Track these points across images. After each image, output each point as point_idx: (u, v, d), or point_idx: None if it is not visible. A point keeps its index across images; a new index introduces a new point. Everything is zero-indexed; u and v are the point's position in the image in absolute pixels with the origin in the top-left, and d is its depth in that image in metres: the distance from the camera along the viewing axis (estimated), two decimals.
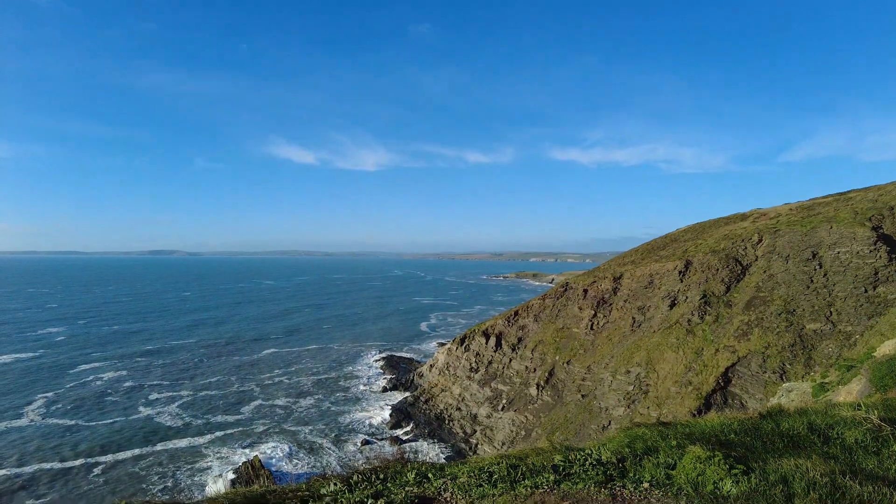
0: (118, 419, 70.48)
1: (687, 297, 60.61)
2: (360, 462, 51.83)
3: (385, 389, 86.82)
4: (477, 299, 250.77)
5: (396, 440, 64.54)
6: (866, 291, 47.88)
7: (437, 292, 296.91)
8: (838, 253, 53.37)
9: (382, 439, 65.02)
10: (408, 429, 69.05)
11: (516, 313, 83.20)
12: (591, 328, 68.35)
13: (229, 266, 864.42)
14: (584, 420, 55.04)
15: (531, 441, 57.17)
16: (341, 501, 8.63)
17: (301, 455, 60.12)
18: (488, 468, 9.67)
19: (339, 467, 56.58)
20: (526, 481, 9.07)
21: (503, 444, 59.63)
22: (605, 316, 69.21)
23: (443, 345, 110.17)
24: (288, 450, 61.51)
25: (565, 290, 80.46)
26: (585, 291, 75.16)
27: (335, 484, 9.36)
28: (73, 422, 69.32)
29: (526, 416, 62.03)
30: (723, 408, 44.82)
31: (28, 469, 54.66)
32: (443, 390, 78.53)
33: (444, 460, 58.04)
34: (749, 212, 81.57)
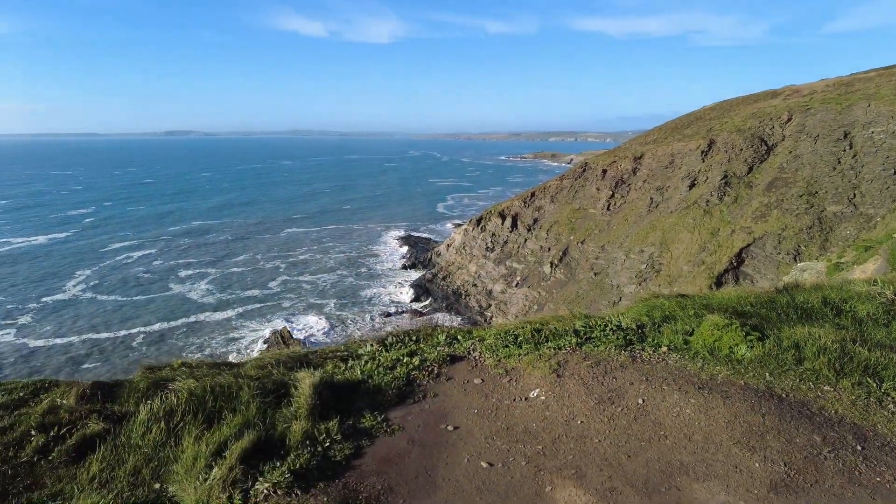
0: (152, 295, 74.31)
1: (707, 178, 59.62)
2: (378, 331, 54.58)
3: (404, 267, 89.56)
4: (494, 180, 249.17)
5: (416, 313, 67.80)
6: (895, 174, 46.53)
7: (454, 173, 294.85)
8: (872, 133, 51.20)
9: (403, 312, 68.29)
10: (426, 303, 72.17)
11: (533, 194, 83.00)
12: (608, 208, 68.32)
13: (246, 146, 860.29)
14: (595, 296, 56.87)
15: (543, 314, 59.71)
16: (379, 359, 9.20)
17: (327, 326, 63.70)
18: (514, 331, 10.13)
19: (361, 335, 60.26)
20: (549, 343, 9.53)
21: (516, 316, 62.37)
22: (622, 196, 68.82)
23: (459, 225, 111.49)
24: (314, 321, 65.16)
25: (584, 170, 79.41)
26: (604, 171, 74.13)
27: (372, 345, 9.98)
28: (111, 297, 73.32)
29: (539, 292, 64.22)
30: (733, 287, 45.83)
31: (75, 339, 58.96)
32: (459, 268, 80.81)
33: None
34: (781, 88, 77.34)
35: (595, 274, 60.33)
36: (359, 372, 8.79)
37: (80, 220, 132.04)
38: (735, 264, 47.18)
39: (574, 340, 9.56)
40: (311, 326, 63.57)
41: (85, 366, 52.34)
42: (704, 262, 49.20)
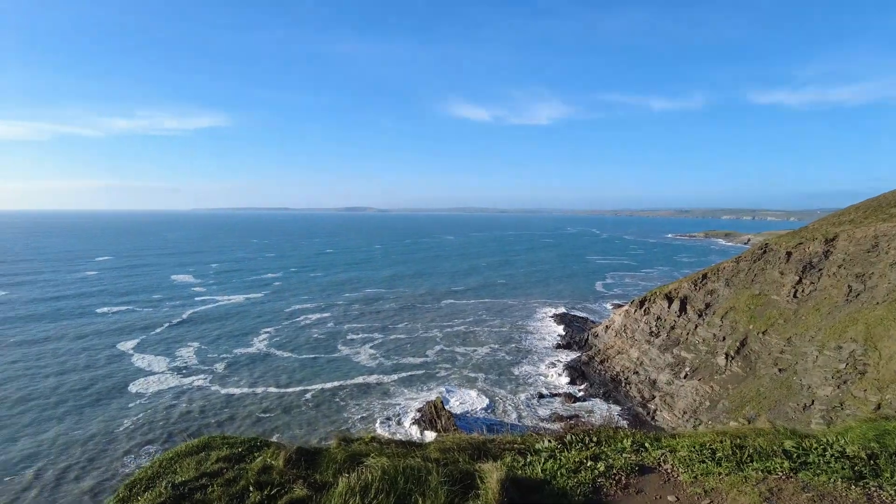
0: (322, 355, 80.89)
1: None
2: (538, 415, 52.73)
3: (558, 346, 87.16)
4: (658, 260, 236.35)
5: (570, 397, 64.86)
6: None
7: (614, 251, 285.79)
8: None
9: (556, 394, 65.81)
10: (581, 387, 68.85)
11: (704, 276, 76.93)
12: (794, 296, 60.64)
13: (414, 222, 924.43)
14: (779, 397, 49.77)
15: (716, 413, 53.45)
16: (560, 459, 8.79)
17: (478, 400, 63.51)
18: (710, 444, 9.08)
19: (515, 415, 58.87)
20: (755, 464, 8.33)
21: (685, 412, 56.64)
22: (812, 283, 60.81)
23: (619, 306, 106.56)
24: (467, 395, 65.41)
25: (764, 251, 72.09)
26: (789, 254, 66.53)
27: (550, 441, 9.62)
28: (289, 354, 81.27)
29: (711, 387, 57.94)
30: None
31: (259, 390, 65.74)
32: (619, 352, 76.49)
33: (623, 423, 57.06)
34: None
35: (780, 370, 53.12)
36: (539, 470, 8.46)
37: (271, 284, 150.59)
38: None
39: (786, 465, 8.22)
40: (464, 400, 63.84)
41: (266, 415, 57.75)
42: None
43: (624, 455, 8.92)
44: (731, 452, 8.66)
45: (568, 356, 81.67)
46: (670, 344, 70.23)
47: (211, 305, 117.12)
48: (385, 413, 59.40)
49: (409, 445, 9.31)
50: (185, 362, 75.96)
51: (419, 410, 58.86)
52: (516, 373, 74.12)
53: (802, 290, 60.67)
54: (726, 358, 59.73)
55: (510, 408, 61.69)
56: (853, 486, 7.42)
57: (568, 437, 9.70)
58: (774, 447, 8.86)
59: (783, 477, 7.80)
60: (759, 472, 7.93)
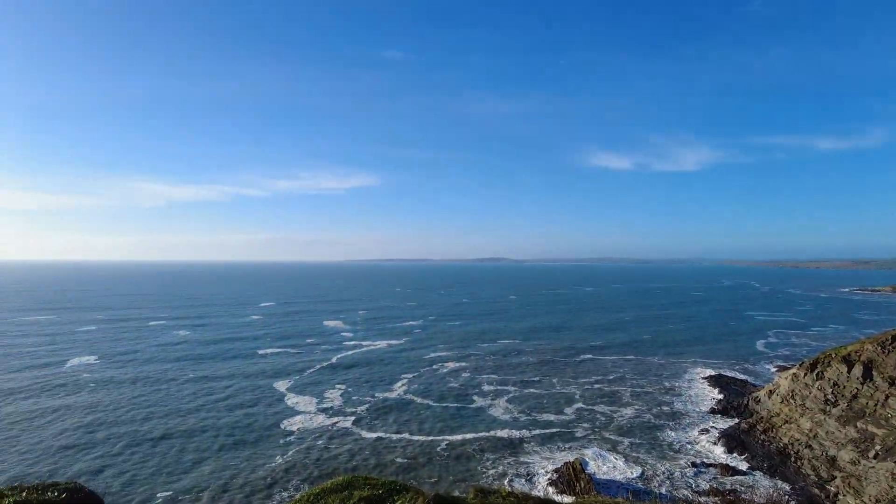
0: (458, 404, 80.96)
1: None
2: (689, 486, 47.77)
3: (713, 411, 78.82)
4: (832, 317, 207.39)
5: (728, 469, 57.73)
6: None
7: (777, 306, 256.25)
8: None
9: (711, 465, 58.99)
10: (741, 458, 61.12)
11: (895, 338, 65.72)
12: None
13: (549, 272, 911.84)
14: None
15: None
16: None
17: (621, 465, 58.97)
18: None
19: (662, 485, 53.63)
20: None
21: (878, 501, 47.57)
22: None
23: (785, 368, 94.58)
24: (607, 458, 61.08)
25: None
26: None
27: None
28: (424, 401, 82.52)
29: None
30: None
31: (395, 435, 67.20)
32: (786, 421, 67.16)
33: (792, 503, 49.54)
34: None
35: None
36: None
37: (411, 331, 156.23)
38: None
39: None
40: (605, 464, 59.64)
41: (403, 461, 58.60)
42: None
43: None
44: None
45: (724, 423, 73.42)
46: (852, 416, 60.21)
47: (357, 350, 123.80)
48: (518, 470, 57.32)
49: (545, 503, 8.71)
50: (332, 403, 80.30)
51: (556, 471, 56.04)
52: (664, 438, 67.98)
53: None
54: None
55: (657, 476, 56.34)
56: None
57: None
58: None
59: None
60: None
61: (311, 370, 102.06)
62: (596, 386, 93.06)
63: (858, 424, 58.41)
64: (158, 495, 49.44)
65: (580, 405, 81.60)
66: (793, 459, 59.60)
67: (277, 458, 58.78)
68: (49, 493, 13.91)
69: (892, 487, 48.00)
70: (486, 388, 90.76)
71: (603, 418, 75.55)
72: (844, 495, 50.30)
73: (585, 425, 72.51)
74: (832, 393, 65.10)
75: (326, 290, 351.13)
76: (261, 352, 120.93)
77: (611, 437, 68.30)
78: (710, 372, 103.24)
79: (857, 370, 64.37)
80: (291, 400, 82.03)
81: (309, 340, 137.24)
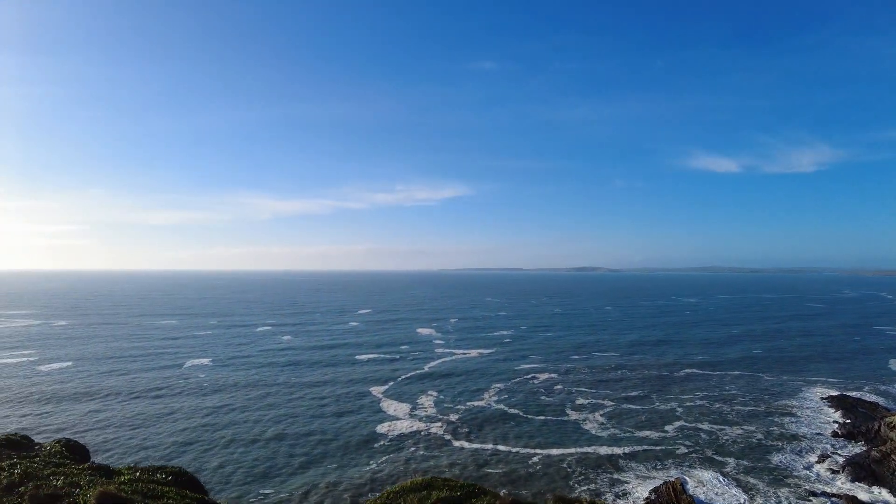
0: (549, 417, 79.35)
1: None
2: None
3: (835, 435, 71.62)
4: None
5: (854, 500, 52.13)
6: None
7: None
8: None
9: (833, 495, 53.54)
10: (870, 490, 54.95)
11: None
12: None
13: (648, 282, 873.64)
14: None
15: None
16: None
17: (725, 488, 55.03)
18: None
19: None
20: None
21: None
22: None
23: None
24: (712, 480, 57.21)
25: None
26: None
27: None
28: (515, 412, 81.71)
29: None
30: None
31: (485, 445, 67.08)
32: None
33: None
34: None
35: None
36: None
37: (502, 341, 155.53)
38: None
39: None
40: (708, 486, 55.90)
41: (492, 470, 58.34)
42: None
43: None
44: None
45: (850, 449, 66.41)
46: None
47: (449, 359, 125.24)
48: (614, 489, 55.09)
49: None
50: (425, 411, 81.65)
51: (654, 491, 53.27)
52: (775, 462, 62.63)
53: None
54: None
55: (767, 502, 52.00)
56: None
57: None
58: None
59: None
60: None
61: (405, 377, 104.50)
62: (699, 403, 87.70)
63: None
64: (261, 492, 52.68)
65: (682, 423, 77.21)
66: None
67: (371, 462, 60.62)
68: (158, 475, 15.32)
69: None
70: (580, 401, 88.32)
71: (707, 437, 71.00)
72: None
73: (687, 444, 68.47)
74: None
75: (420, 299, 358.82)
76: (358, 357, 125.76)
77: (715, 457, 63.99)
78: (831, 392, 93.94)
79: None
80: (386, 405, 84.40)
81: (403, 347, 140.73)
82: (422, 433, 71.27)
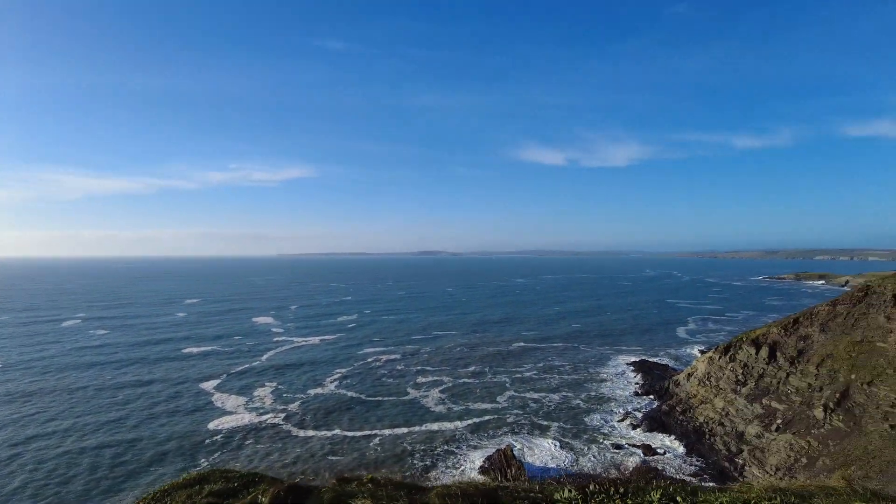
0: (391, 398, 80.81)
1: None
2: (608, 465, 49.89)
3: (636, 394, 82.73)
4: (744, 304, 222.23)
5: (648, 449, 60.84)
6: None
7: (696, 295, 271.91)
8: None
9: (633, 445, 61.97)
10: (661, 437, 64.55)
11: (796, 321, 71.22)
12: None
13: (485, 265, 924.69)
14: (892, 456, 44.33)
15: (815, 472, 48.21)
16: None
17: (550, 449, 60.88)
18: (756, 502, 7.49)
19: (588, 466, 55.79)
20: None
21: (777, 469, 51.54)
22: None
23: (703, 352, 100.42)
24: (537, 443, 62.89)
25: (866, 294, 66.00)
26: None
27: (570, 491, 8.53)
28: (357, 395, 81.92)
29: (808, 442, 52.59)
30: None
31: (326, 431, 66.38)
32: (702, 402, 71.46)
33: (704, 479, 52.75)
34: None
35: (892, 427, 47.57)
36: None
37: (346, 326, 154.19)
38: None
39: None
40: (536, 449, 61.39)
41: (334, 457, 57.95)
42: None
43: None
44: None
45: (647, 405, 77.24)
46: (759, 394, 64.87)
47: (288, 347, 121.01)
48: (450, 460, 58.01)
49: (410, 489, 8.64)
50: (262, 402, 78.18)
51: (487, 458, 57.06)
52: (590, 422, 70.72)
53: None
54: (825, 410, 54.31)
55: (584, 458, 58.60)
56: None
57: (591, 486, 8.59)
58: None
59: None
60: None
61: (240, 369, 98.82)
62: (527, 374, 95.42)
63: (763, 401, 62.98)
64: None
65: (512, 393, 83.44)
66: (707, 437, 63.50)
67: (203, 464, 56.70)
68: None
69: (789, 456, 52.13)
70: (420, 380, 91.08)
71: (533, 405, 77.62)
72: (750, 466, 54.15)
73: (517, 412, 74.24)
74: (742, 374, 69.79)
75: (258, 286, 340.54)
76: (186, 351, 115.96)
77: (541, 422, 70.31)
78: (634, 358, 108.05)
79: (764, 352, 69.34)
80: (220, 401, 79.19)
81: (238, 339, 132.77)
82: (260, 426, 68.21)
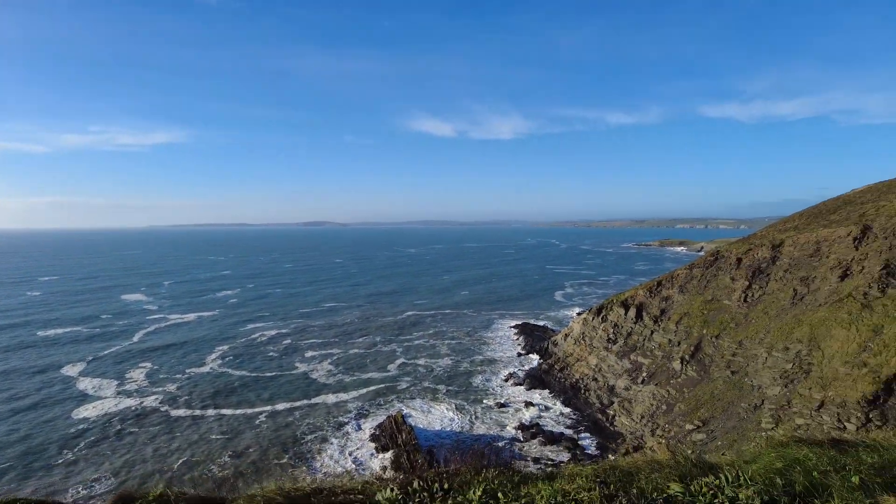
0: (279, 373, 78.70)
1: (863, 268, 52.82)
2: (498, 424, 52.24)
3: (519, 355, 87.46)
4: (615, 269, 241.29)
5: (530, 405, 64.92)
6: None
7: (573, 261, 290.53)
8: None
9: (517, 403, 65.77)
10: (541, 395, 69.07)
11: (659, 283, 78.64)
12: (745, 300, 62.51)
13: (375, 235, 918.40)
14: (733, 398, 50.94)
15: (673, 417, 54.30)
16: None
17: (440, 413, 62.87)
18: (575, 494, 7.55)
19: (476, 425, 58.38)
20: None
21: (642, 416, 57.34)
22: (760, 287, 62.84)
23: (579, 314, 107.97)
24: (428, 407, 64.69)
25: (716, 258, 74.27)
26: (739, 260, 68.72)
27: (392, 490, 8.33)
28: (242, 372, 78.78)
29: (668, 391, 58.93)
30: None
31: (209, 412, 63.36)
32: (578, 360, 77.18)
33: (579, 430, 57.30)
34: None
35: (732, 373, 54.46)
36: None
37: (226, 301, 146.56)
38: None
39: None
40: (426, 413, 63.09)
41: (218, 437, 55.60)
42: (867, 363, 42.51)
43: None
44: None
45: (528, 365, 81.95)
46: (627, 350, 71.28)
47: (163, 325, 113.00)
48: (341, 431, 57.99)
49: (205, 502, 8.06)
50: (135, 385, 72.73)
51: (378, 427, 57.72)
52: (478, 383, 73.81)
53: (752, 295, 62.60)
54: (681, 362, 60.93)
55: (471, 418, 61.25)
56: None
57: (415, 483, 8.44)
58: (658, 487, 7.53)
59: None
60: None
61: (108, 351, 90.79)
62: (416, 342, 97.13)
63: (631, 357, 69.32)
64: None
65: (402, 360, 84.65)
66: (582, 391, 68.88)
67: (67, 456, 51.87)
68: None
69: (652, 405, 58.12)
70: (308, 353, 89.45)
71: (423, 371, 79.40)
72: (619, 416, 59.71)
73: (407, 379, 75.58)
74: (613, 333, 76.08)
75: (126, 261, 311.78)
76: (42, 334, 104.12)
77: (430, 386, 72.23)
78: (516, 322, 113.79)
79: (632, 312, 75.93)
80: (85, 386, 72.45)
81: (105, 318, 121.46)
82: (133, 410, 63.41)
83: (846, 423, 39.03)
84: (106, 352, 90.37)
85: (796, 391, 44.83)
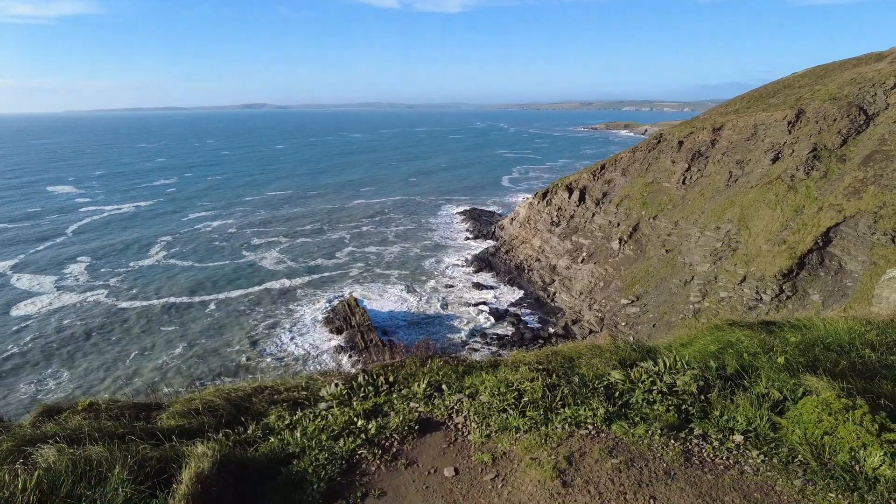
0: (226, 262, 78.03)
1: (794, 151, 55.32)
2: (447, 304, 54.37)
3: (467, 239, 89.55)
4: (562, 152, 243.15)
5: (478, 286, 67.75)
6: None
7: (520, 145, 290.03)
8: None
9: (464, 283, 68.47)
10: (488, 276, 71.94)
11: (603, 167, 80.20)
12: (683, 183, 64.99)
13: (317, 119, 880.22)
14: (665, 274, 54.63)
15: (609, 292, 58.05)
16: (328, 418, 7.28)
17: (392, 295, 64.95)
18: (518, 384, 7.59)
19: (426, 307, 60.84)
20: (566, 411, 6.78)
21: (581, 293, 61.06)
22: (699, 170, 65.21)
23: (525, 199, 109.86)
24: (380, 290, 66.61)
25: (658, 141, 75.74)
26: (680, 143, 70.41)
27: (338, 385, 8.19)
28: (188, 263, 77.71)
29: (606, 269, 62.44)
30: (817, 269, 42.66)
31: (156, 302, 63.00)
32: (523, 242, 79.81)
33: (523, 307, 60.62)
34: (888, 50, 69.98)
35: (667, 251, 57.89)
36: (291, 439, 6.81)
37: (164, 191, 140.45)
38: (821, 244, 43.79)
39: (601, 412, 6.67)
40: (378, 296, 64.97)
41: (166, 328, 55.90)
42: (786, 241, 45.98)
43: (410, 405, 7.59)
44: (540, 395, 7.21)
45: (476, 248, 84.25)
46: (570, 232, 74.03)
47: (98, 217, 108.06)
48: (293, 316, 59.22)
49: (139, 409, 7.65)
50: (76, 280, 70.71)
51: (332, 310, 59.21)
52: (427, 267, 75.80)
53: (690, 177, 65.01)
54: (620, 242, 64.04)
55: (422, 300, 63.65)
56: (672, 441, 6.14)
57: (360, 377, 8.39)
58: (599, 374, 7.76)
59: (593, 432, 6.42)
60: (566, 427, 6.53)
61: (42, 246, 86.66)
62: (365, 228, 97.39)
63: (573, 238, 72.18)
64: None
65: (351, 248, 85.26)
66: (526, 272, 72.04)
67: (12, 347, 51.18)
68: None
69: (591, 282, 61.70)
70: (255, 241, 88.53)
71: (374, 257, 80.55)
72: (560, 293, 63.33)
73: (358, 265, 76.69)
74: (557, 215, 78.34)
75: (45, 150, 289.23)
76: None
77: (381, 272, 73.82)
78: (465, 207, 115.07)
79: (576, 195, 77.85)
80: (21, 282, 69.88)
81: (33, 211, 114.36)
82: (77, 307, 61.97)
83: (762, 295, 42.85)
84: (41, 247, 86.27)
85: (723, 267, 48.36)
